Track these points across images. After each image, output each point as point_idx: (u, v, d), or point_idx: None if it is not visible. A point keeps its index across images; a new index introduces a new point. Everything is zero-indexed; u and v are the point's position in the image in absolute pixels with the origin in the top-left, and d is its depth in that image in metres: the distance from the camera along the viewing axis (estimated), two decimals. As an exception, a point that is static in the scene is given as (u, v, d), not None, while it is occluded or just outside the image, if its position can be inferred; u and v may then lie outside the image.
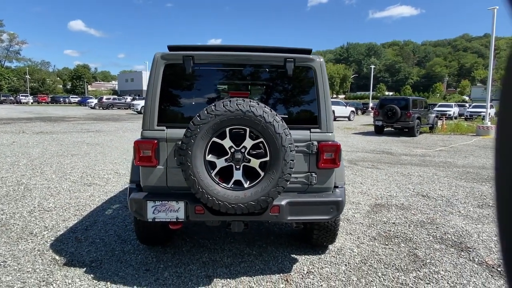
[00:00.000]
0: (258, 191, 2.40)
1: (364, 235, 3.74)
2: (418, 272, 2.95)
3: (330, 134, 2.73)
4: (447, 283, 2.77)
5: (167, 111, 2.75)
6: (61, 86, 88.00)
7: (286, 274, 2.86)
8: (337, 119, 23.76)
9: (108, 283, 2.69)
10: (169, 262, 3.02)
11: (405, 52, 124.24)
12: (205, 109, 2.35)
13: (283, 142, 2.35)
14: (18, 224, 3.84)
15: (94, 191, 5.19)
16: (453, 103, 33.80)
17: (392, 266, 3.05)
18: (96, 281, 2.71)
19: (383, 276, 2.86)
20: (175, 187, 2.69)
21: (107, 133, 13.23)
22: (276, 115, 2.38)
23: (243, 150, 2.41)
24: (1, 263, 2.96)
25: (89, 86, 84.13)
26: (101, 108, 40.03)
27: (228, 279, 2.77)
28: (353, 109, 26.92)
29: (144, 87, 74.15)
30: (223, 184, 2.43)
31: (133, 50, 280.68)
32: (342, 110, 24.75)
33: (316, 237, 3.17)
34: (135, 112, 30.03)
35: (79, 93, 75.80)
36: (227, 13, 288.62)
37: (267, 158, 2.41)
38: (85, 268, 2.91)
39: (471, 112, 28.07)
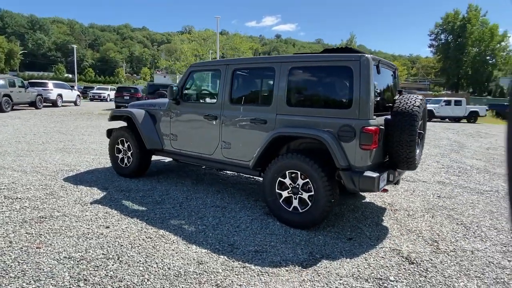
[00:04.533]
0: (420, 151, 3.64)
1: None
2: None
3: None
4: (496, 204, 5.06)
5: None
6: None
7: (388, 209, 4.10)
8: (63, 104, 20.70)
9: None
10: (337, 239, 3.34)
11: (76, 32, 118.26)
12: (418, 102, 3.23)
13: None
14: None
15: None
16: None
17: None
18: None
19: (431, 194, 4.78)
20: (374, 163, 3.28)
21: None
22: None
23: (420, 128, 3.52)
24: None
25: None
26: None
27: (392, 232, 3.65)
28: (79, 93, 24.21)
29: None
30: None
31: None
32: (69, 94, 21.57)
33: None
34: None
35: None
36: None
37: (423, 132, 3.66)
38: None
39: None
